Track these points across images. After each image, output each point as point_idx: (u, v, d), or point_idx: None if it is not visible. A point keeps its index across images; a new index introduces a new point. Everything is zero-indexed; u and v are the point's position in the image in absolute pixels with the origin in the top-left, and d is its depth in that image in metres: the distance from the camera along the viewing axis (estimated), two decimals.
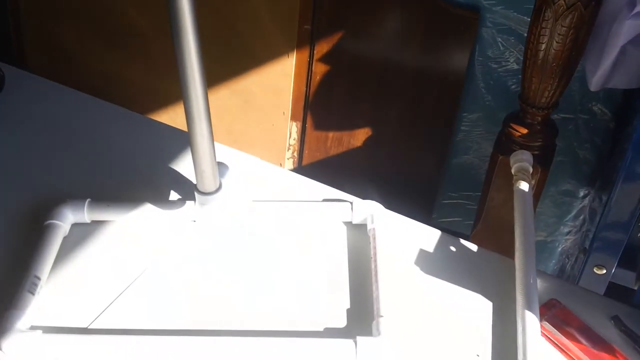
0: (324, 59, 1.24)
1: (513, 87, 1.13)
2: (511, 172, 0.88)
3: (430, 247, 0.81)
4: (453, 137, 1.23)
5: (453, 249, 0.81)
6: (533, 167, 0.87)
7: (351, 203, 0.83)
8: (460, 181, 1.28)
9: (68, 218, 0.80)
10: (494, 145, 0.99)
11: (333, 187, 0.89)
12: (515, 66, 1.11)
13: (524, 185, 0.83)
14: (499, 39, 1.09)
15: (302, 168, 1.36)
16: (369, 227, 0.80)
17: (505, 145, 0.96)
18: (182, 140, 0.93)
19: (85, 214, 0.80)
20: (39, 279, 0.73)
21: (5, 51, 1.46)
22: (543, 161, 0.94)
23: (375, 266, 0.75)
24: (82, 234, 0.81)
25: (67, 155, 0.94)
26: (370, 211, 0.81)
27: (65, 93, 1.05)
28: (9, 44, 1.47)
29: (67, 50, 1.45)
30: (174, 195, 0.88)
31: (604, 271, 0.99)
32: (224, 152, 0.92)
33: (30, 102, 1.02)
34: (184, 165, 0.92)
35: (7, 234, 0.81)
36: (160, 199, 0.86)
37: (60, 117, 1.00)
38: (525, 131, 0.93)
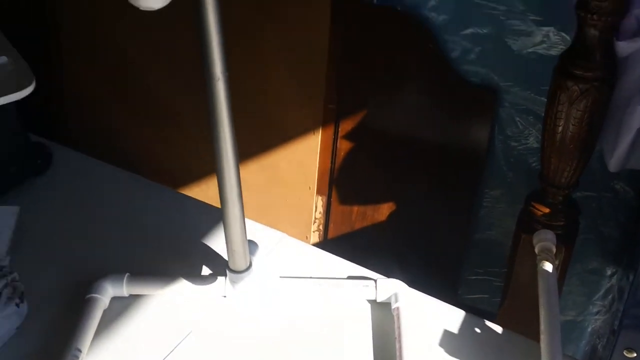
0: (348, 135, 1.30)
1: (534, 164, 1.15)
2: (534, 251, 0.89)
3: (455, 328, 0.83)
4: (475, 213, 1.26)
5: (478, 330, 0.83)
6: (556, 246, 0.88)
7: (375, 281, 0.86)
8: (485, 257, 1.29)
9: (108, 292, 0.84)
10: (516, 224, 1.00)
11: (357, 261, 0.92)
12: (535, 145, 1.14)
13: (548, 266, 0.84)
14: (518, 119, 1.13)
15: (328, 241, 1.39)
16: (393, 306, 0.83)
17: (527, 224, 0.96)
18: (214, 217, 0.99)
19: (124, 289, 0.85)
20: (80, 351, 0.77)
21: (53, 130, 1.55)
22: (566, 240, 0.94)
23: (400, 347, 0.77)
24: (121, 307, 0.85)
25: (108, 230, 0.99)
26: (395, 290, 0.84)
27: (107, 170, 1.11)
28: (56, 123, 1.55)
29: (109, 130, 1.53)
30: (206, 270, 0.92)
31: (634, 355, 0.96)
32: (253, 227, 0.96)
33: (74, 179, 1.09)
34: (215, 241, 0.97)
35: (51, 306, 0.86)
36: (193, 274, 0.90)
37: (102, 194, 1.06)
38: (547, 210, 0.94)
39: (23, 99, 0.98)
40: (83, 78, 1.53)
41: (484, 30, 1.10)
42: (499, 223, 1.24)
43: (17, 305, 0.83)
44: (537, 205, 0.96)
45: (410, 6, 1.15)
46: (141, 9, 0.56)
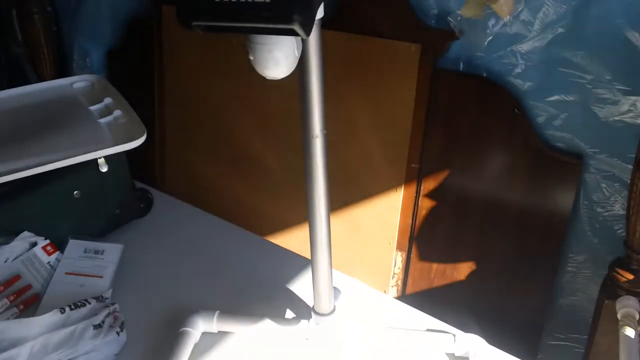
0: (430, 195, 1.33)
1: (619, 231, 1.15)
2: (617, 317, 0.89)
3: None
4: (559, 277, 1.25)
5: None
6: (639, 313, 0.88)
7: (454, 335, 0.88)
8: (567, 323, 1.28)
9: (199, 327, 0.90)
10: (599, 289, 1.01)
11: (435, 317, 0.95)
12: (621, 211, 1.13)
13: (630, 332, 0.84)
14: (604, 185, 1.14)
15: (406, 297, 1.41)
16: None
17: (611, 290, 0.97)
18: (299, 265, 1.04)
19: (214, 324, 0.90)
20: None
21: (150, 177, 1.66)
22: None
23: None
24: (210, 342, 0.91)
25: (200, 271, 1.06)
26: (473, 345, 0.86)
27: (202, 216, 1.19)
28: (154, 170, 1.67)
29: (203, 178, 1.63)
30: (289, 314, 0.97)
31: None
32: (336, 275, 1.01)
33: (172, 223, 1.17)
34: (300, 288, 1.02)
35: (147, 337, 0.92)
36: (278, 316, 0.94)
37: (196, 238, 1.14)
38: (631, 277, 0.95)
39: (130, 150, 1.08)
40: (182, 134, 1.65)
41: (570, 97, 1.12)
42: (583, 289, 1.23)
43: (118, 333, 0.90)
44: (621, 272, 0.96)
45: (497, 73, 1.19)
46: (268, 78, 0.62)
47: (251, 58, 0.61)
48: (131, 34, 1.71)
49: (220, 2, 0.54)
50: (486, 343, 0.87)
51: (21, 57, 1.67)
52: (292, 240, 1.49)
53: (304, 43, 0.65)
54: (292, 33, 0.55)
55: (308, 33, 0.55)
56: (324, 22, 1.33)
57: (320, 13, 0.65)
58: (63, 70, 1.82)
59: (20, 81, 1.71)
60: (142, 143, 1.08)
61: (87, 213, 1.11)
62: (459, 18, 1.06)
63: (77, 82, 1.30)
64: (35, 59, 1.68)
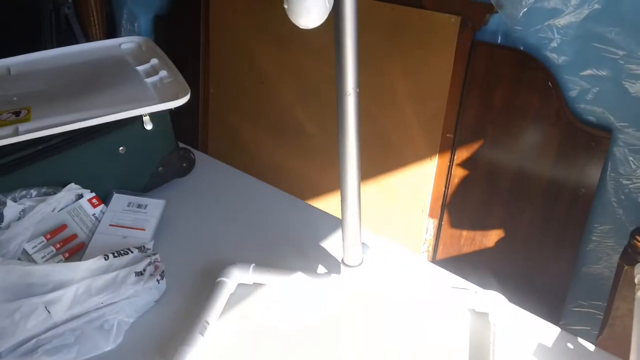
0: (463, 164, 1.36)
1: None
2: (635, 283, 0.92)
3: (549, 342, 0.87)
4: (583, 246, 1.28)
5: (571, 346, 0.87)
6: None
7: (476, 292, 0.92)
8: (590, 290, 1.31)
9: (235, 277, 0.96)
10: (620, 256, 1.04)
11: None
12: None
13: None
14: (631, 158, 1.16)
15: (436, 262, 1.44)
16: (490, 316, 0.89)
17: (631, 257, 1.00)
18: (333, 225, 1.09)
19: (250, 276, 0.96)
20: (208, 323, 0.88)
21: (194, 138, 1.72)
22: None
23: (493, 352, 0.83)
24: (245, 292, 0.96)
25: (238, 228, 1.11)
26: (493, 301, 0.90)
27: (241, 177, 1.24)
28: (197, 131, 1.73)
29: (244, 142, 1.68)
30: (321, 269, 1.02)
31: None
32: (367, 234, 1.05)
33: (212, 182, 1.22)
34: (330, 245, 1.06)
35: (185, 286, 0.98)
36: (310, 270, 1.00)
37: (236, 197, 1.19)
38: None
39: (176, 109, 1.13)
40: (225, 98, 1.70)
41: (603, 72, 1.14)
42: (606, 258, 1.26)
43: (158, 281, 0.95)
44: None
45: (533, 46, 1.21)
46: (300, 27, 0.66)
47: (285, 7, 0.66)
48: (179, 0, 1.76)
49: None
50: (506, 300, 0.91)
51: (71, 18, 1.73)
52: (329, 204, 1.54)
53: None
54: None
55: None
56: None
57: None
58: (111, 34, 1.89)
59: (68, 42, 1.78)
60: (187, 105, 1.13)
61: (131, 169, 1.16)
62: None
63: (125, 43, 1.34)
64: (84, 22, 1.74)
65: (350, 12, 0.71)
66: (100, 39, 1.73)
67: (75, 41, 1.69)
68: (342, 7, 0.70)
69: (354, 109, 0.78)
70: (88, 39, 1.72)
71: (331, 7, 0.66)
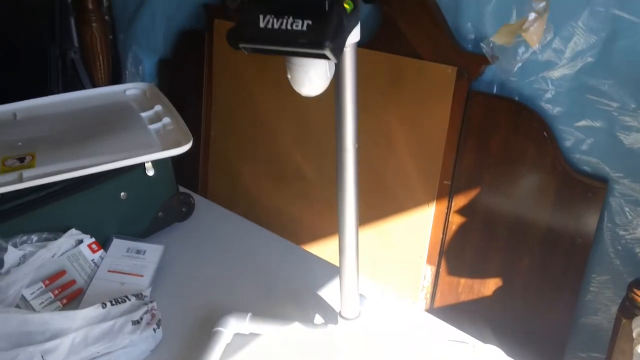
0: (460, 211, 1.37)
1: None
2: (633, 336, 0.92)
3: None
4: (582, 296, 1.28)
5: None
6: None
7: (474, 346, 0.92)
8: (589, 341, 1.30)
9: (232, 327, 0.96)
10: (618, 309, 1.04)
11: (461, 331, 0.99)
12: None
13: None
14: (627, 209, 1.17)
15: (434, 310, 1.45)
16: None
17: (629, 310, 0.99)
18: (330, 273, 1.09)
19: (246, 326, 0.96)
20: None
21: (194, 181, 1.74)
22: None
23: None
24: (241, 343, 0.97)
25: (235, 275, 1.12)
26: (491, 356, 0.90)
27: (239, 222, 1.26)
28: (197, 175, 1.75)
29: (244, 185, 1.70)
30: (318, 319, 1.02)
31: None
32: (365, 283, 1.06)
33: (211, 227, 1.24)
34: (328, 294, 1.07)
35: (181, 334, 0.98)
36: (307, 320, 1.00)
37: (233, 242, 1.20)
38: None
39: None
40: (226, 142, 1.72)
41: (597, 124, 1.16)
42: (605, 309, 1.26)
43: (154, 330, 0.96)
44: (639, 292, 0.99)
45: (528, 97, 1.23)
46: (303, 95, 0.70)
47: (289, 77, 0.69)
48: (182, 44, 1.79)
49: (264, 28, 0.62)
50: (504, 354, 0.91)
51: (77, 62, 1.77)
52: (327, 249, 1.54)
53: (340, 64, 0.72)
54: (325, 57, 0.62)
55: (338, 58, 0.62)
56: (366, 42, 1.40)
57: (355, 37, 0.71)
58: (116, 76, 1.92)
59: (74, 85, 1.81)
60: (188, 149, 1.15)
61: (131, 214, 1.18)
62: (491, 45, 1.10)
63: (130, 89, 1.37)
64: (90, 65, 1.78)
65: (350, 77, 0.73)
66: (106, 82, 1.76)
67: (81, 85, 1.72)
68: (342, 72, 0.73)
69: (353, 165, 0.80)
70: (93, 82, 1.75)
71: (332, 75, 0.69)
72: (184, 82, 1.80)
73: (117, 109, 1.30)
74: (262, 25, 0.61)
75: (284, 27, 0.60)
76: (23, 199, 1.05)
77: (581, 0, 1.10)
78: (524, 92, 1.23)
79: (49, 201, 1.07)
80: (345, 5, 0.62)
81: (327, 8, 0.59)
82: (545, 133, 1.21)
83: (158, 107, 1.27)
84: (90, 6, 1.68)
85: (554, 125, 1.21)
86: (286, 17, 0.60)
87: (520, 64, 1.15)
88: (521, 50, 1.15)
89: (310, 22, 0.60)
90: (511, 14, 1.17)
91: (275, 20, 0.60)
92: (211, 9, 1.65)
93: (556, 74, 1.17)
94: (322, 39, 0.60)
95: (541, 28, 0.93)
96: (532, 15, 0.92)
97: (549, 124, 1.21)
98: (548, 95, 1.20)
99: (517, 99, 1.25)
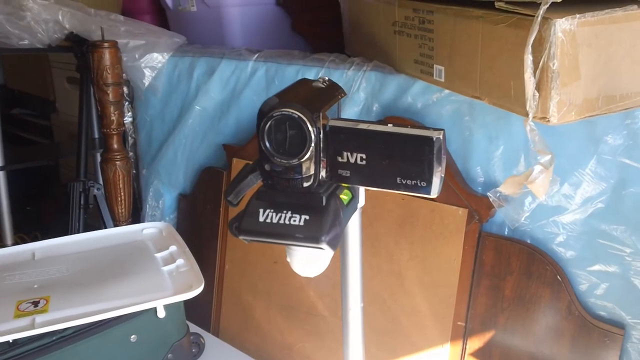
0: (476, 354, 1.34)
1: None
2: None
3: None
4: None
5: None
6: None
7: None
8: None
9: None
10: None
11: None
12: None
13: None
14: None
15: None
16: None
17: None
18: None
19: None
20: None
21: (206, 315, 1.73)
22: None
23: None
24: None
25: None
26: None
27: None
28: (210, 309, 1.74)
29: (256, 320, 1.69)
30: None
31: None
32: None
33: None
34: None
35: None
36: None
37: None
38: None
39: None
40: (239, 278, 1.73)
41: (610, 268, 1.15)
42: None
43: None
44: None
45: (540, 240, 1.24)
46: (302, 276, 0.72)
47: (288, 260, 0.71)
48: (202, 180, 1.85)
49: (263, 222, 0.65)
50: None
51: (99, 198, 1.82)
52: None
53: (345, 234, 0.74)
54: (322, 248, 0.65)
55: (334, 249, 0.64)
56: None
57: (361, 202, 0.73)
58: (136, 209, 1.97)
59: (95, 220, 1.86)
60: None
61: (141, 356, 1.18)
62: (498, 194, 1.13)
63: (147, 229, 1.41)
64: (112, 201, 1.82)
65: (354, 246, 0.75)
66: (126, 216, 1.80)
67: (102, 220, 1.76)
68: (347, 237, 0.75)
69: (359, 323, 0.80)
70: (114, 216, 1.80)
71: (331, 258, 0.71)
72: (201, 215, 1.84)
73: (133, 248, 1.34)
74: (261, 219, 0.65)
75: (282, 221, 0.63)
76: (35, 344, 1.06)
77: (588, 149, 1.13)
78: (536, 235, 1.24)
79: (61, 346, 1.08)
80: (343, 197, 0.65)
81: (323, 203, 0.62)
82: (559, 277, 1.21)
83: (173, 248, 1.30)
84: (116, 145, 1.75)
85: (568, 269, 1.21)
86: (285, 211, 0.63)
87: (527, 214, 1.17)
88: (528, 200, 1.17)
89: (307, 217, 0.62)
90: (519, 160, 1.21)
91: (274, 214, 0.63)
92: (230, 149, 1.72)
93: (567, 218, 1.19)
94: (318, 234, 0.63)
95: (547, 180, 0.95)
96: (537, 168, 0.94)
97: (563, 267, 1.21)
98: (560, 238, 1.21)
99: (529, 241, 1.25)
